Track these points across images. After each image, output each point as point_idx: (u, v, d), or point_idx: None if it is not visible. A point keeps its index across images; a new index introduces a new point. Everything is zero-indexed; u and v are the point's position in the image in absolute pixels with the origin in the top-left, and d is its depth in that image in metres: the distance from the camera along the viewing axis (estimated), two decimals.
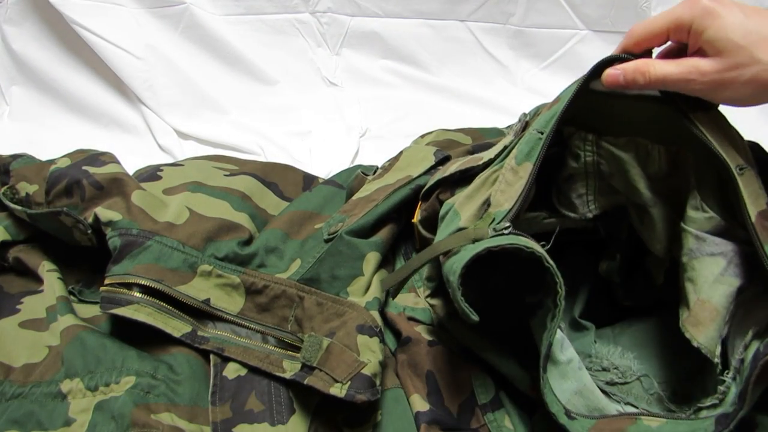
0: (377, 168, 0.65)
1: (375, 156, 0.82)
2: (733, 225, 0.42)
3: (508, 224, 0.41)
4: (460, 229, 0.43)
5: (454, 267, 0.40)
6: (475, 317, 0.39)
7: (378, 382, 0.44)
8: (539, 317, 0.43)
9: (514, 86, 1.08)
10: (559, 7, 1.05)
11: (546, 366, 0.40)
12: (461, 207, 0.46)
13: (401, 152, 0.63)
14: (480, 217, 0.43)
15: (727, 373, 0.40)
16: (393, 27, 1.04)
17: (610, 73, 0.42)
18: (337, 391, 0.43)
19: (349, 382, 0.43)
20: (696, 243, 0.43)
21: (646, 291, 0.54)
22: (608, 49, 1.08)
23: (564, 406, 0.41)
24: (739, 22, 0.37)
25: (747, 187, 0.39)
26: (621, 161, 0.47)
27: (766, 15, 0.37)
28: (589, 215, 0.51)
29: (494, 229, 0.41)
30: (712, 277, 0.42)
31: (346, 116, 0.99)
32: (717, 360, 0.41)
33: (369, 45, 1.05)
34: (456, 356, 0.48)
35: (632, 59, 0.42)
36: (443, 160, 0.58)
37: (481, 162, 0.49)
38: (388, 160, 0.64)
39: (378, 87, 1.05)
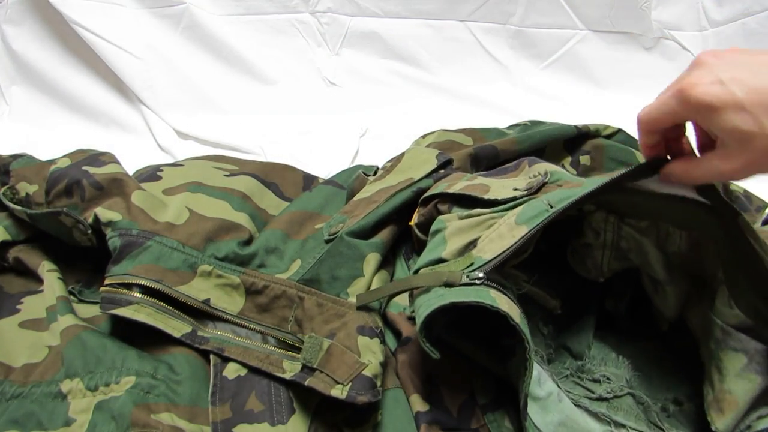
0: (377, 168, 0.65)
1: (375, 156, 0.82)
2: (759, 324, 0.43)
3: (481, 275, 0.41)
4: (441, 260, 0.44)
5: (420, 311, 0.40)
6: (436, 356, 0.40)
7: (379, 383, 0.44)
8: (514, 363, 0.43)
9: (514, 86, 1.08)
10: (559, 7, 1.05)
11: (525, 415, 0.40)
12: (450, 236, 0.46)
13: (403, 153, 0.63)
14: (462, 254, 0.44)
15: None
16: (393, 27, 1.04)
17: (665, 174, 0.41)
18: (338, 392, 0.43)
19: (350, 384, 0.43)
20: (722, 335, 0.44)
21: (649, 326, 0.54)
22: (608, 49, 1.09)
23: None
24: (738, 107, 0.34)
25: None
26: (642, 244, 0.48)
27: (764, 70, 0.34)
28: (601, 279, 0.52)
29: (467, 276, 0.41)
30: (734, 372, 0.43)
31: (346, 116, 0.99)
32: None
33: (369, 45, 1.05)
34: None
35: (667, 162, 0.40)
36: (445, 164, 0.58)
37: (485, 195, 0.48)
38: (389, 161, 0.64)
39: (378, 87, 1.05)
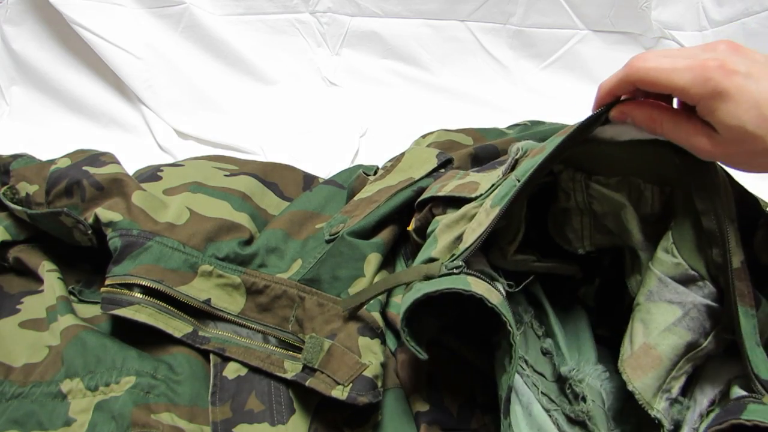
0: (377, 168, 0.65)
1: (375, 156, 0.82)
2: (700, 277, 0.41)
3: (460, 263, 0.40)
4: (432, 259, 0.43)
5: (401, 309, 0.40)
6: (423, 356, 0.39)
7: (380, 384, 0.44)
8: (498, 359, 0.42)
9: (514, 86, 1.08)
10: (559, 7, 1.05)
11: (507, 410, 0.38)
12: (440, 234, 0.46)
13: (403, 153, 0.63)
14: (450, 250, 0.43)
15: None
16: (393, 27, 1.04)
17: (620, 111, 0.40)
18: (339, 393, 0.43)
19: (351, 385, 0.43)
20: (657, 286, 0.42)
21: (618, 319, 0.52)
22: (608, 49, 1.09)
23: None
24: (754, 105, 0.32)
25: (731, 239, 0.38)
26: (613, 201, 0.46)
27: None
28: (581, 251, 0.49)
29: (446, 267, 0.40)
30: (664, 325, 0.40)
31: (346, 116, 0.99)
32: (655, 413, 0.40)
33: (369, 45, 1.05)
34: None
35: (635, 100, 0.39)
36: (446, 163, 0.58)
37: (474, 194, 0.48)
38: (390, 160, 0.64)
39: (378, 87, 1.05)
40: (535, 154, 0.44)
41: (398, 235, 0.55)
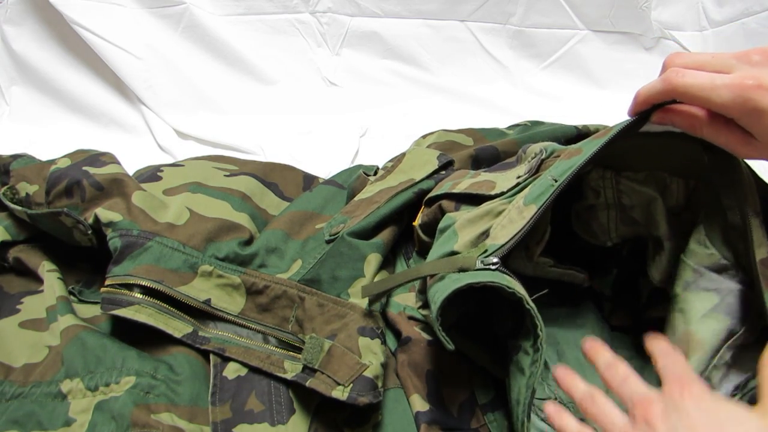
0: (378, 168, 0.65)
1: (375, 156, 0.82)
2: (732, 266, 0.42)
3: (496, 260, 0.41)
4: (453, 252, 0.44)
5: (435, 297, 0.40)
6: (451, 346, 0.39)
7: (380, 384, 0.44)
8: (515, 361, 0.42)
9: (514, 86, 1.08)
10: (559, 7, 1.05)
11: (529, 413, 0.39)
12: (461, 229, 0.46)
13: (404, 153, 0.63)
14: (475, 245, 0.43)
15: None
16: (393, 27, 1.04)
17: (661, 116, 0.40)
18: (339, 394, 0.43)
19: (351, 385, 0.43)
20: (693, 276, 0.43)
21: (632, 312, 0.54)
22: (608, 49, 1.09)
23: None
24: None
25: (755, 233, 0.40)
26: (643, 195, 0.48)
27: None
28: (609, 243, 0.51)
29: (482, 262, 0.41)
30: (703, 311, 0.42)
31: (346, 116, 0.99)
32: None
33: (369, 45, 1.04)
34: (456, 356, 0.48)
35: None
36: (446, 165, 0.58)
37: (492, 192, 0.48)
38: (390, 161, 0.64)
39: (378, 87, 1.05)
40: (571, 155, 0.45)
41: (398, 235, 0.55)
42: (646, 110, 0.41)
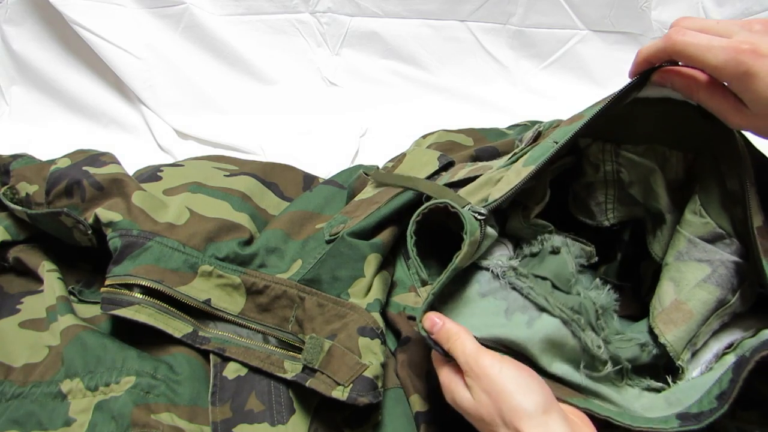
0: (378, 168, 0.65)
1: (375, 156, 0.82)
2: (727, 235, 0.43)
3: (483, 211, 0.41)
4: None
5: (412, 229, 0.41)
6: (423, 275, 0.41)
7: (380, 384, 0.44)
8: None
9: (514, 86, 1.08)
10: (559, 7, 1.05)
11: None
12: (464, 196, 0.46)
13: (404, 154, 0.63)
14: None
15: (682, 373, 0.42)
16: (393, 27, 1.04)
17: (661, 75, 0.41)
18: (339, 394, 0.43)
19: (351, 385, 0.43)
20: (687, 246, 0.44)
21: (633, 300, 0.54)
22: (608, 49, 1.08)
23: None
24: None
25: (752, 200, 0.40)
26: (643, 167, 0.48)
27: None
28: (606, 223, 0.51)
29: (471, 210, 0.41)
30: (694, 282, 0.43)
31: (346, 116, 0.99)
32: (680, 363, 0.42)
33: (369, 45, 1.04)
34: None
35: (670, 67, 0.40)
36: (447, 166, 0.58)
37: (491, 170, 0.49)
38: (390, 161, 0.64)
39: (378, 87, 1.05)
40: (573, 121, 0.46)
41: (398, 235, 0.55)
42: (647, 70, 0.42)
